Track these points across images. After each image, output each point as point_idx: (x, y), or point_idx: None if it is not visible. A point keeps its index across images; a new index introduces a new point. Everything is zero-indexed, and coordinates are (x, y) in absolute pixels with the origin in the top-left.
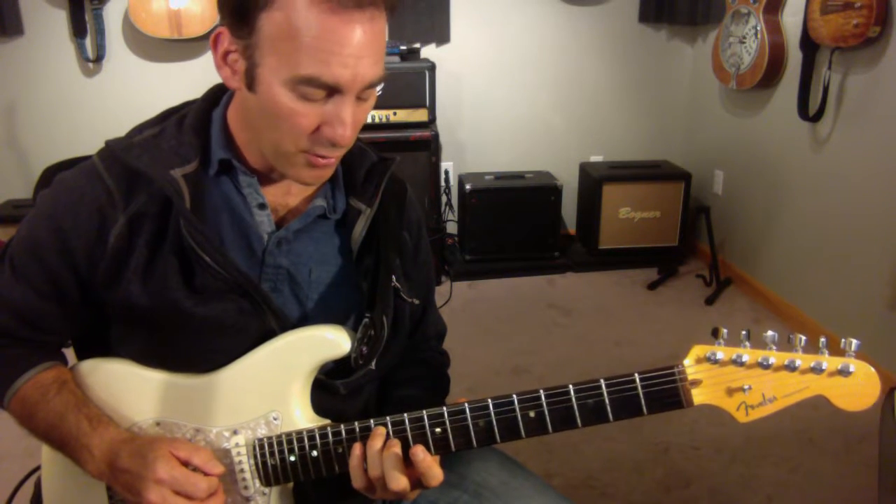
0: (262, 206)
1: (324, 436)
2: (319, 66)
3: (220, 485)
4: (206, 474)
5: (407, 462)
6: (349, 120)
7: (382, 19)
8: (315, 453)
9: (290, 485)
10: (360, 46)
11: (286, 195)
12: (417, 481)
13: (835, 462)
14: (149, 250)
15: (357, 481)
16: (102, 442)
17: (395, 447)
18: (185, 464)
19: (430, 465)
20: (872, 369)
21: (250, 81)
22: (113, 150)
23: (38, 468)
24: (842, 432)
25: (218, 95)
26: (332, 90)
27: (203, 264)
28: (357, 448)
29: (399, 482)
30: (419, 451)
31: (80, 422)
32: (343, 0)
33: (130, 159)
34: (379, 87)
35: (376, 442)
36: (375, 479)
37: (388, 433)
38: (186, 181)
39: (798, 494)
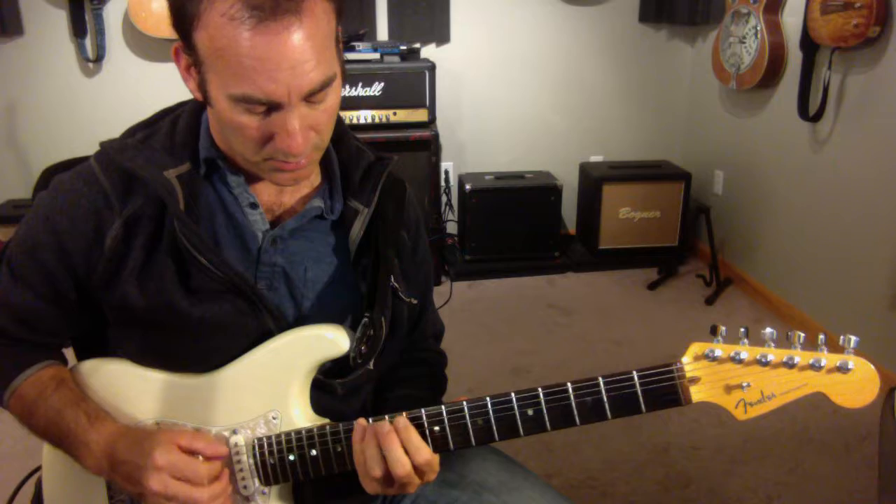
0: (254, 206)
1: (322, 435)
2: (248, 85)
3: (223, 470)
4: (209, 458)
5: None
6: (296, 130)
7: (310, 19)
8: (314, 452)
9: (290, 484)
10: (287, 57)
11: (281, 194)
12: (420, 472)
13: (835, 462)
14: (145, 252)
15: (359, 457)
16: (100, 437)
17: (392, 433)
18: (189, 452)
19: (412, 435)
20: (872, 366)
21: (204, 95)
22: (107, 152)
23: (38, 468)
24: (842, 432)
25: None
26: (269, 104)
27: (198, 265)
28: (361, 425)
29: (404, 466)
30: (401, 420)
31: (78, 417)
32: (256, 13)
33: (124, 161)
34: (334, 85)
35: (370, 439)
36: (378, 476)
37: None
38: (180, 182)
39: (798, 494)
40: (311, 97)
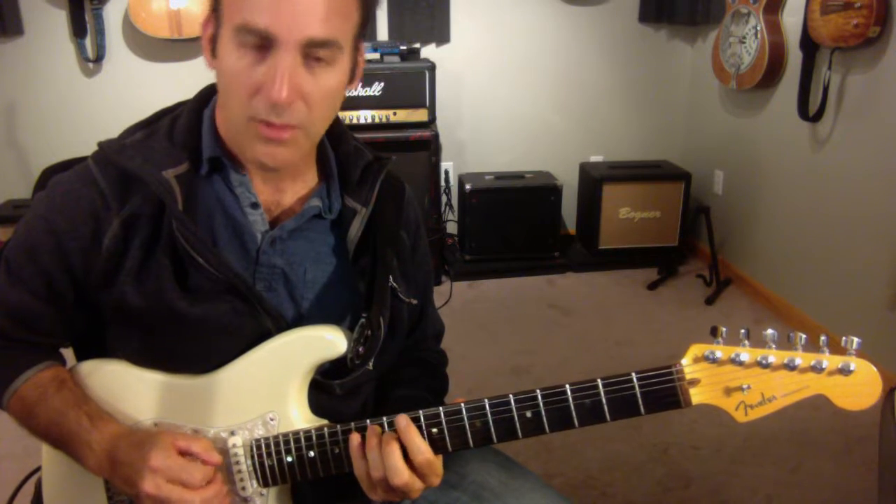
0: (255, 206)
1: (321, 436)
2: (253, 11)
3: (217, 475)
4: (204, 463)
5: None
6: (283, 72)
7: None
8: (312, 454)
9: (288, 485)
10: None
11: (280, 194)
12: (421, 474)
13: (835, 462)
14: (143, 252)
15: (359, 470)
16: (103, 437)
17: (392, 441)
18: (186, 454)
19: (413, 435)
20: (874, 368)
21: (214, 48)
22: (106, 152)
23: (38, 469)
24: (842, 432)
25: (209, 95)
26: (266, 39)
27: (196, 265)
28: (355, 439)
29: (402, 476)
30: (402, 419)
31: (80, 418)
32: None
33: (123, 161)
34: (336, 61)
35: (372, 441)
36: (378, 480)
37: (382, 429)
38: (179, 182)
39: (798, 494)
40: (309, 50)
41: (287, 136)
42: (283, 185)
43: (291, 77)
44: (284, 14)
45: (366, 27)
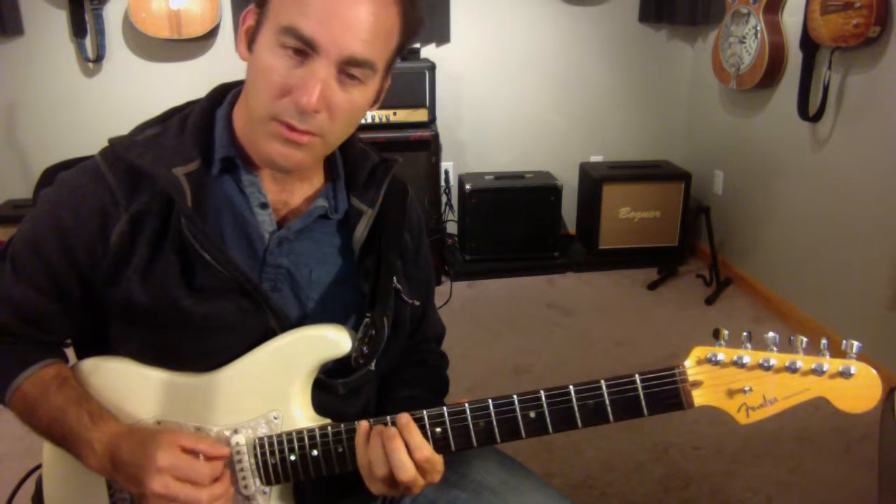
0: (264, 206)
1: (324, 435)
2: (301, 17)
3: (225, 472)
4: (211, 459)
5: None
6: (317, 81)
7: (390, 8)
8: (315, 452)
9: (290, 484)
10: (348, 14)
11: (288, 194)
12: (422, 470)
13: (835, 462)
14: (150, 249)
15: (363, 460)
16: (103, 436)
17: (396, 438)
18: (192, 452)
19: (413, 432)
20: (874, 371)
21: (251, 41)
22: (115, 149)
23: (38, 467)
24: (842, 432)
25: (222, 95)
26: (309, 46)
27: (203, 263)
28: (364, 424)
29: (408, 472)
30: (403, 416)
31: (81, 416)
32: None
33: (133, 158)
34: (369, 81)
35: (376, 441)
36: (381, 477)
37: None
38: (188, 180)
39: (798, 494)
40: (346, 66)
41: (305, 140)
42: (290, 186)
43: (324, 88)
44: (332, 27)
45: (401, 54)
